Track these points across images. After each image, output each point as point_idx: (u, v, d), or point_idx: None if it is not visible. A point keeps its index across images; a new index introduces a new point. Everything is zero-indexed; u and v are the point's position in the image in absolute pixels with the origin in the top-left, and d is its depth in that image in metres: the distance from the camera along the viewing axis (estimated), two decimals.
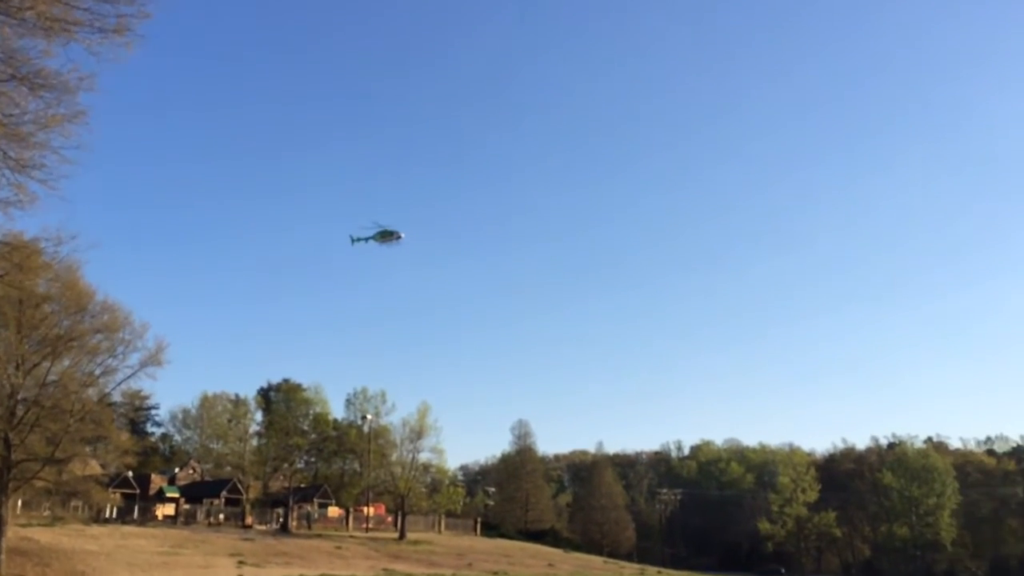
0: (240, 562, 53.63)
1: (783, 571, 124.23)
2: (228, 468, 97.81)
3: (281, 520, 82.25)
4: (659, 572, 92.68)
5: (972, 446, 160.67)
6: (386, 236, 69.86)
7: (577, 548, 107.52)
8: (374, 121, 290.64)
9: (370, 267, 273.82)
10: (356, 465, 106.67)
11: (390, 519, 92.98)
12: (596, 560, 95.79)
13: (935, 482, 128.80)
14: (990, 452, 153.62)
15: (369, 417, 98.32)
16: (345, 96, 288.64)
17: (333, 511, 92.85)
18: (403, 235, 69.68)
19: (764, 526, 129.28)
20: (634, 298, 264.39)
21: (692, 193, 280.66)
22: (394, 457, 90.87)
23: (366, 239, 69.79)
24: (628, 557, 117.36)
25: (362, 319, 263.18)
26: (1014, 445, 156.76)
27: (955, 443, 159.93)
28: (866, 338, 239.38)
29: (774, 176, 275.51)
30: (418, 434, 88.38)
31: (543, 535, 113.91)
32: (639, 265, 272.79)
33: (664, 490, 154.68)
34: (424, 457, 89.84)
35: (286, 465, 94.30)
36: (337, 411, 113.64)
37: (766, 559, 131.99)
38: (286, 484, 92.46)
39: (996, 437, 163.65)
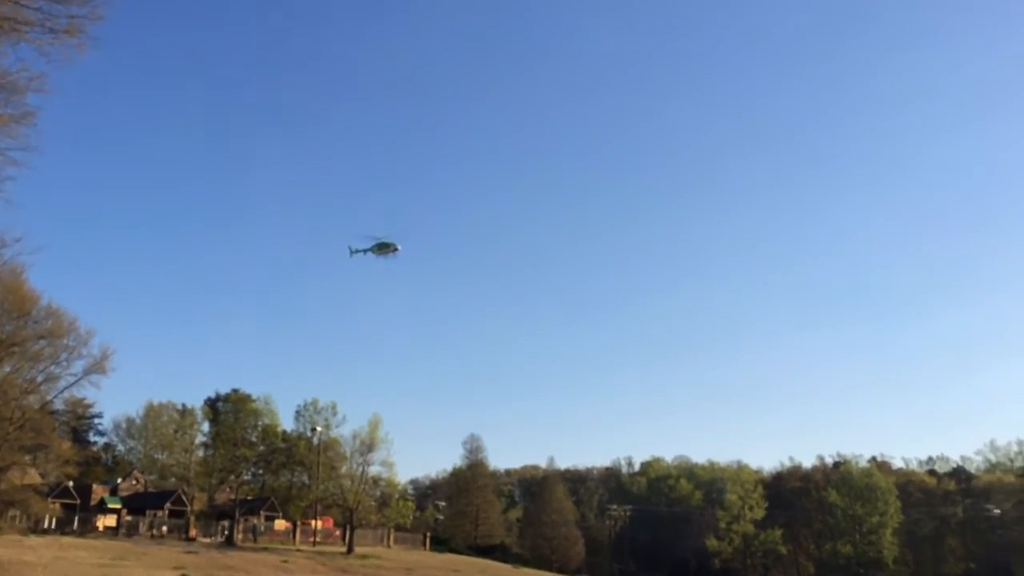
0: (183, 575, 52.55)
1: None
2: (173, 479, 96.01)
3: (226, 533, 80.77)
4: None
5: (914, 466, 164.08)
6: (383, 248, 70.07)
7: (526, 563, 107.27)
8: (324, 140, 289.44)
9: (321, 279, 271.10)
10: (305, 478, 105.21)
11: (338, 533, 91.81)
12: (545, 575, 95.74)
13: (878, 501, 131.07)
14: (931, 472, 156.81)
15: (319, 429, 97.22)
16: (288, 121, 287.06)
17: (280, 524, 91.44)
18: (400, 247, 69.92)
19: (712, 543, 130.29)
20: (587, 314, 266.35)
21: (645, 213, 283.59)
22: (344, 470, 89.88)
23: (364, 251, 69.68)
24: (577, 572, 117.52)
25: (314, 331, 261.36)
26: (955, 466, 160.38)
27: (898, 463, 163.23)
28: (813, 358, 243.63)
29: (723, 192, 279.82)
30: (369, 447, 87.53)
31: (493, 550, 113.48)
32: (592, 282, 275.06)
33: (614, 506, 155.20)
34: (374, 470, 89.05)
35: (233, 477, 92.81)
36: (287, 423, 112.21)
37: (714, 575, 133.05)
38: (232, 496, 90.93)
39: (937, 458, 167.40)
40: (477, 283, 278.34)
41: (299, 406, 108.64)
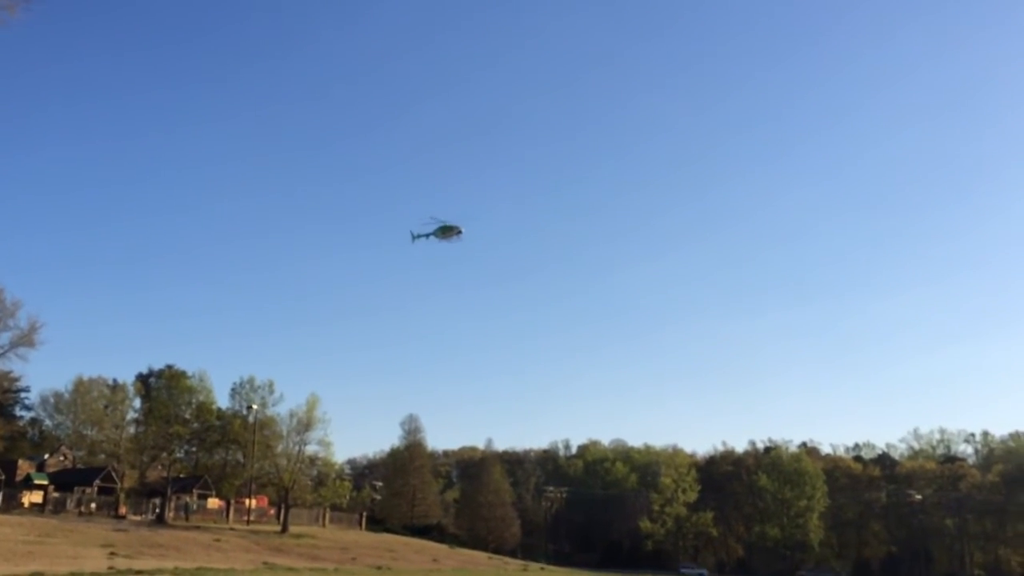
0: (112, 553, 51.44)
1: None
2: (102, 456, 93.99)
3: (157, 511, 79.37)
4: (542, 568, 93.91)
5: (842, 452, 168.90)
6: (447, 232, 67.19)
7: (463, 544, 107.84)
8: (245, 103, 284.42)
9: (260, 254, 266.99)
10: (239, 456, 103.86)
11: (272, 512, 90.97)
12: (481, 556, 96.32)
13: (806, 485, 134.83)
14: (857, 458, 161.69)
15: (255, 407, 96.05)
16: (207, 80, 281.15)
17: (213, 503, 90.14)
18: (463, 229, 67.22)
19: (645, 525, 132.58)
20: (526, 296, 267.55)
21: (574, 194, 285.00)
22: (280, 449, 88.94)
23: (427, 235, 67.32)
24: (512, 553, 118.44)
25: (251, 308, 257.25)
26: (880, 452, 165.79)
27: (826, 449, 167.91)
28: (748, 345, 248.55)
29: (654, 178, 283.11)
30: (306, 426, 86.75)
31: (429, 530, 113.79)
32: (529, 264, 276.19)
33: (551, 488, 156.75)
34: (311, 450, 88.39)
35: (165, 454, 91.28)
36: (222, 400, 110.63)
37: (646, 557, 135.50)
38: (164, 474, 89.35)
39: (863, 444, 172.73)
40: (417, 266, 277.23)
41: (235, 384, 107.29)
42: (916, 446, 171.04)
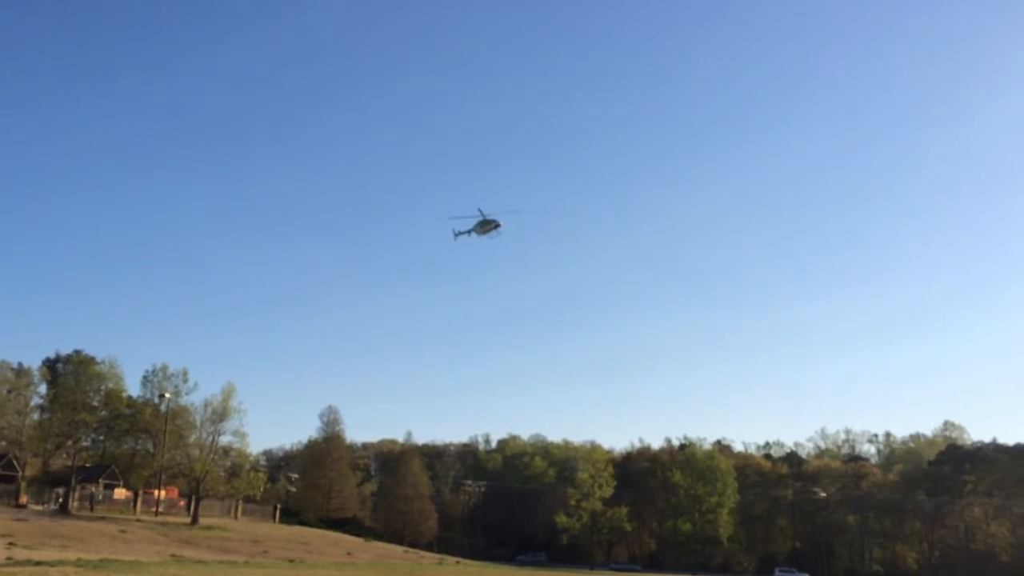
0: (10, 543, 49.58)
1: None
2: (3, 443, 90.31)
3: (61, 500, 76.75)
4: (457, 562, 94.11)
5: (752, 450, 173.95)
6: (486, 226, 64.98)
7: (378, 537, 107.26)
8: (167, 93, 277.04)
9: (175, 238, 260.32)
10: (150, 446, 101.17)
11: (183, 503, 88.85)
12: (396, 549, 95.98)
13: (718, 482, 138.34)
14: (767, 456, 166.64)
15: (168, 396, 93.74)
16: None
17: (120, 493, 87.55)
18: (502, 223, 64.72)
19: (561, 519, 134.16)
20: (449, 291, 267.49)
21: (497, 196, 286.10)
22: (192, 439, 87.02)
23: (468, 232, 65.15)
24: (429, 547, 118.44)
25: (166, 294, 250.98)
26: (788, 451, 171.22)
27: (738, 447, 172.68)
28: (666, 345, 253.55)
29: (570, 180, 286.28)
30: (221, 416, 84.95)
31: (345, 523, 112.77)
32: (450, 260, 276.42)
33: (469, 482, 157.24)
34: (225, 440, 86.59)
35: (70, 443, 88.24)
36: (133, 388, 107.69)
37: (561, 551, 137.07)
38: (69, 463, 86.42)
39: (773, 443, 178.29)
40: (338, 257, 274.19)
41: (147, 371, 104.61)
42: (822, 445, 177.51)
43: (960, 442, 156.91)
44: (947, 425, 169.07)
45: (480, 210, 64.97)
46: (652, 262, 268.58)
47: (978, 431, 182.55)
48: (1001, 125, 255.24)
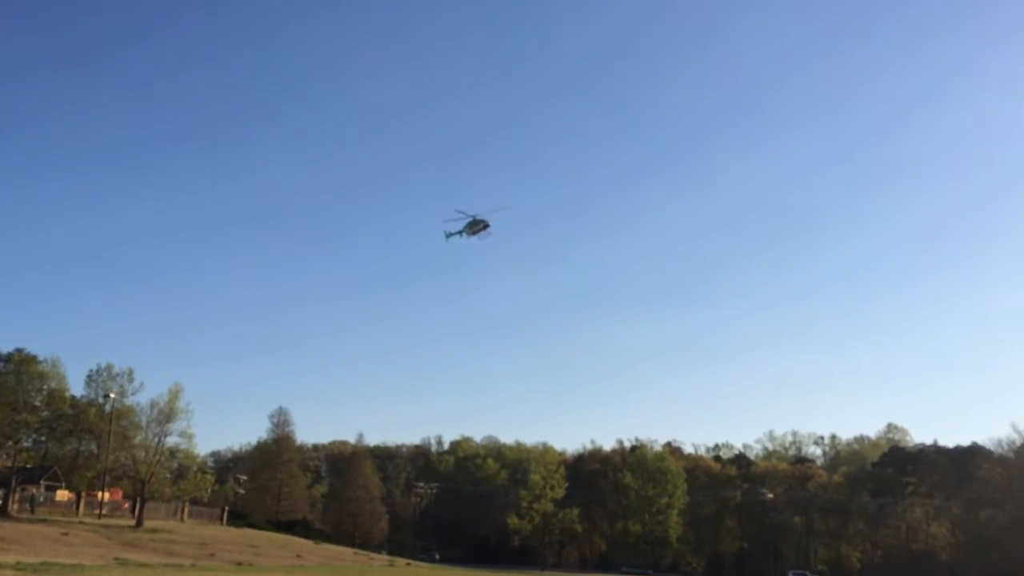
0: None
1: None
2: None
3: (0, 503, 74.68)
4: (408, 564, 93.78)
5: (702, 452, 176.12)
6: (475, 226, 62.93)
7: (329, 539, 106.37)
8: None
9: (118, 236, 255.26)
10: (94, 447, 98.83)
11: (127, 505, 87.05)
12: (347, 552, 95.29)
13: (668, 483, 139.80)
14: (717, 458, 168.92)
15: (112, 396, 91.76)
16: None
17: (62, 495, 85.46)
18: (490, 223, 62.74)
19: (513, 521, 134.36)
20: (402, 292, 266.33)
21: (455, 201, 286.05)
22: (138, 440, 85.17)
23: (460, 233, 63.27)
24: (379, 549, 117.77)
25: (110, 291, 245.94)
26: (737, 452, 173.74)
27: (688, 449, 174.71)
28: (618, 349, 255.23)
29: (540, 192, 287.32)
30: (167, 416, 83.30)
31: (294, 526, 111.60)
32: (404, 261, 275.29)
33: (421, 484, 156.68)
34: (172, 441, 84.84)
35: (11, 443, 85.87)
36: (77, 388, 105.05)
37: (512, 553, 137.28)
38: (9, 463, 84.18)
39: (722, 445, 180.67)
40: (289, 255, 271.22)
41: (91, 371, 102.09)
42: (770, 447, 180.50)
43: (903, 444, 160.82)
44: (890, 428, 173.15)
45: (460, 211, 64.05)
46: (606, 269, 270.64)
47: (920, 433, 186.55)
48: (953, 130, 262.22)
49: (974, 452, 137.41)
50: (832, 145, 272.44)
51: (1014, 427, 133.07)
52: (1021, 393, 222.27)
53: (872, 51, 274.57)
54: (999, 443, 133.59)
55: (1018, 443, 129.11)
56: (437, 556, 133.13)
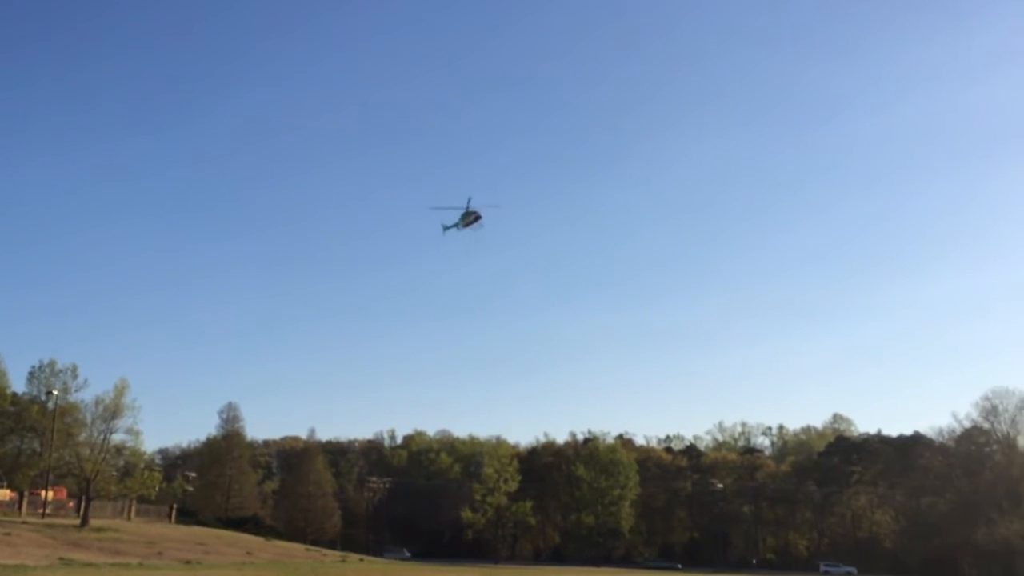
0: None
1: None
2: None
3: None
4: (361, 559, 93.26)
5: (654, 443, 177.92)
6: (468, 218, 61.84)
7: (280, 536, 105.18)
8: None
9: (63, 228, 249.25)
10: (37, 445, 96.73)
11: (72, 504, 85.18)
12: (298, 548, 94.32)
13: (620, 475, 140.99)
14: (668, 449, 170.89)
15: (55, 393, 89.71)
16: None
17: (4, 494, 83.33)
18: (482, 215, 61.73)
19: (467, 514, 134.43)
20: (353, 284, 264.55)
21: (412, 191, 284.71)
22: (82, 437, 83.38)
23: (456, 225, 61.75)
24: (332, 545, 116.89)
25: (54, 286, 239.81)
26: (688, 444, 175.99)
27: (640, 440, 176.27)
28: (570, 340, 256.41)
29: (496, 185, 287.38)
30: (113, 413, 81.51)
31: (245, 523, 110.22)
32: (353, 252, 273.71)
33: (374, 478, 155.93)
34: (118, 438, 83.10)
35: None
36: (18, 385, 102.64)
37: (466, 546, 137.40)
38: None
39: (674, 436, 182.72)
40: (236, 248, 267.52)
41: (34, 367, 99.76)
42: (720, 438, 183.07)
43: (848, 434, 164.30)
44: (836, 418, 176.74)
45: (436, 206, 63.64)
46: (557, 261, 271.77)
47: (865, 423, 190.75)
48: (891, 127, 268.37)
49: (916, 441, 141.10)
50: (773, 140, 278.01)
51: (954, 416, 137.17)
52: (960, 383, 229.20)
53: (810, 48, 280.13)
54: (940, 432, 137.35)
55: (958, 432, 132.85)
56: (408, 553, 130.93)
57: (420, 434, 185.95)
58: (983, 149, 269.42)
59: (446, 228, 64.30)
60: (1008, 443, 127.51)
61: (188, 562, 61.25)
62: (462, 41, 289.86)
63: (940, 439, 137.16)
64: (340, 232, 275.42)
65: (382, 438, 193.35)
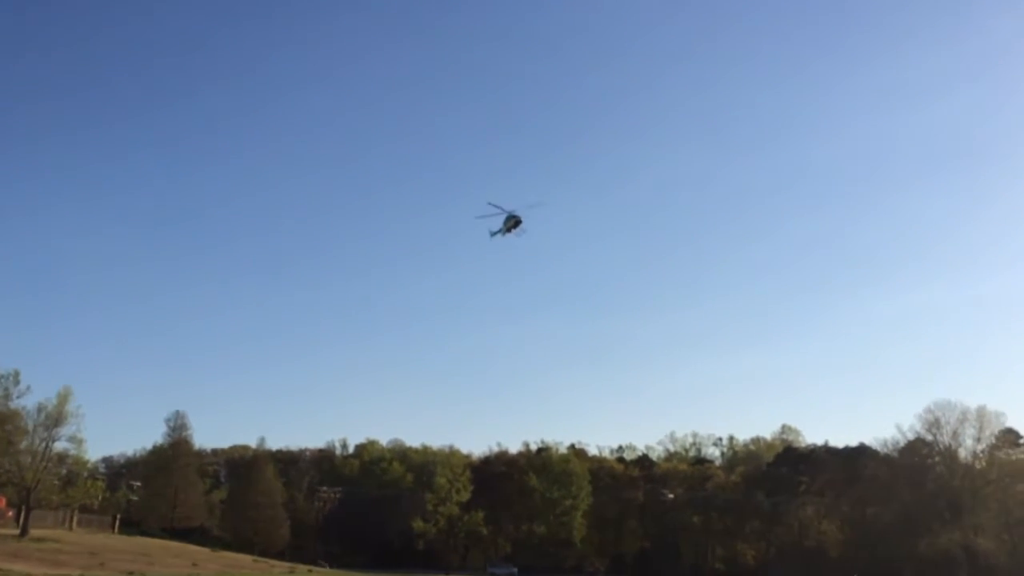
0: None
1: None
2: None
3: None
4: (310, 571, 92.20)
5: (606, 453, 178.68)
6: (510, 221, 60.39)
7: (227, 547, 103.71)
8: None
9: (5, 233, 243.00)
10: None
11: (12, 514, 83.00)
12: (246, 559, 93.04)
13: (573, 485, 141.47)
14: (620, 459, 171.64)
15: None
16: None
17: None
18: (522, 219, 60.12)
19: (418, 524, 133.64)
20: (304, 290, 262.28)
21: (367, 204, 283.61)
22: (23, 445, 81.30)
23: (501, 231, 60.50)
24: (281, 555, 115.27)
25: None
26: (640, 454, 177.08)
27: (593, 450, 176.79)
28: (524, 351, 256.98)
29: (450, 194, 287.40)
30: (55, 421, 79.89)
31: (191, 533, 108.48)
32: (304, 256, 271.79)
33: (324, 488, 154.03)
34: (60, 446, 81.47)
35: None
36: None
37: (417, 556, 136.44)
38: None
39: (626, 446, 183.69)
40: (184, 252, 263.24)
41: None
42: (671, 448, 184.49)
43: (796, 445, 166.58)
44: (784, 428, 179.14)
45: (493, 204, 62.11)
46: (512, 270, 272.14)
47: (812, 434, 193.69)
48: (839, 148, 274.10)
49: (861, 452, 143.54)
50: (724, 156, 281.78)
51: (898, 428, 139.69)
52: (904, 396, 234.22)
53: (759, 69, 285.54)
54: (885, 443, 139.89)
55: (902, 443, 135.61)
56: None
57: (373, 443, 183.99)
58: (930, 169, 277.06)
59: (492, 234, 63.99)
60: (950, 455, 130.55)
61: (131, 573, 60.08)
62: (415, 53, 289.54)
63: (885, 450, 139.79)
64: (294, 242, 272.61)
65: (334, 447, 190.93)
